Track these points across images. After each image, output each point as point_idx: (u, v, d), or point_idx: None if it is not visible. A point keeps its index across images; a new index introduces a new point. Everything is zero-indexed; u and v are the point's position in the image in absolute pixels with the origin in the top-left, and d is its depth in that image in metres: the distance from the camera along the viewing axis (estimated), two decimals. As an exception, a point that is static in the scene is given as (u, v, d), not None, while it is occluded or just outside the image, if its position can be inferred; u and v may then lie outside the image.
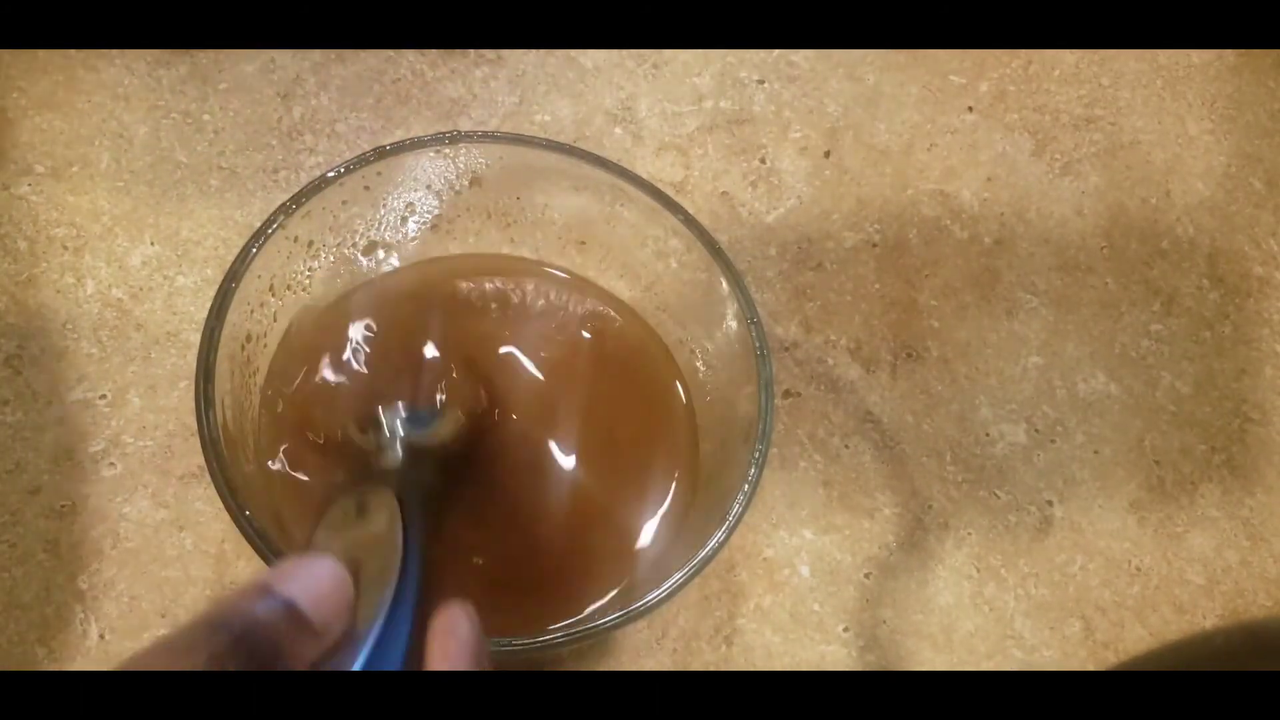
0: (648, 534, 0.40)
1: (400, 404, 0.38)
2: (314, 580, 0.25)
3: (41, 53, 0.49)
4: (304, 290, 0.40)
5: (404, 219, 0.42)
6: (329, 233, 0.40)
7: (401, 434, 0.37)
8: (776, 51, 0.55)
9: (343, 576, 0.25)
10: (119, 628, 0.40)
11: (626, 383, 0.43)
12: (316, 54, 0.52)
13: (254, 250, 0.36)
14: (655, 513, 0.40)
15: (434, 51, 0.53)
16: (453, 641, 0.26)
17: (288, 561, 0.25)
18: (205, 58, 0.51)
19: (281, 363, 0.40)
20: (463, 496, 0.38)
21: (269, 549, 0.32)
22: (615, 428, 0.41)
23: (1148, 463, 0.49)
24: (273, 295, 0.38)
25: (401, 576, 0.27)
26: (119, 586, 0.41)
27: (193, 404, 0.33)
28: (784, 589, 0.44)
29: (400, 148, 0.39)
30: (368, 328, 0.41)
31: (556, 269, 0.44)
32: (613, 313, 0.43)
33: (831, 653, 0.43)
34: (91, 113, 0.49)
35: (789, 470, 0.46)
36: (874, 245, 0.51)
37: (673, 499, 0.40)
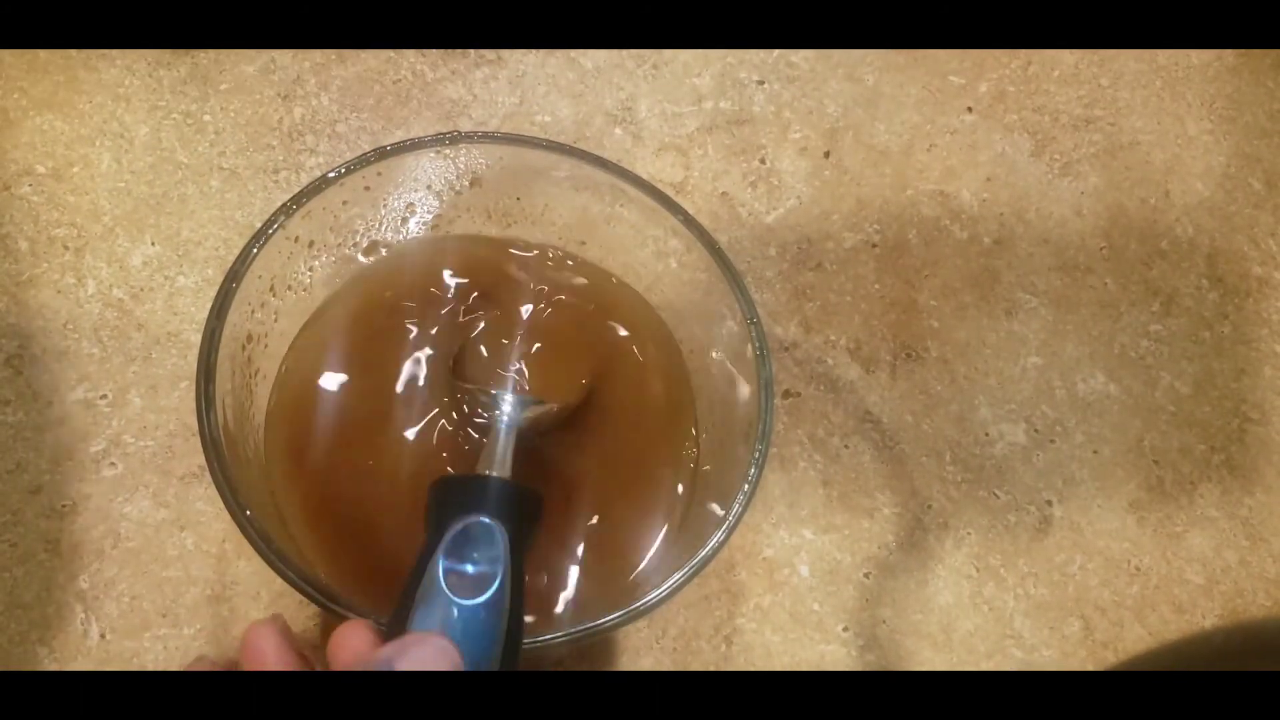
0: (648, 534, 0.40)
1: (511, 386, 0.38)
2: (430, 659, 0.27)
3: (42, 53, 0.49)
4: (305, 290, 0.40)
5: (404, 219, 0.42)
6: (330, 233, 0.40)
7: (509, 416, 0.37)
8: (776, 52, 0.55)
9: (454, 656, 0.28)
10: (120, 627, 0.40)
11: (634, 381, 0.43)
12: (317, 55, 0.52)
13: (255, 250, 0.36)
14: (656, 512, 0.40)
15: (434, 52, 0.53)
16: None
17: (411, 637, 0.28)
18: (206, 58, 0.51)
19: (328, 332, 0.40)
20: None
21: (270, 548, 0.32)
22: (622, 426, 0.41)
23: (1147, 463, 0.49)
24: (273, 295, 0.38)
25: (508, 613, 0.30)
26: (120, 586, 0.41)
27: (193, 404, 0.33)
28: (783, 588, 0.44)
29: (401, 148, 0.39)
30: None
31: (570, 258, 0.44)
32: (628, 308, 0.44)
33: (831, 652, 0.43)
34: (92, 113, 0.49)
35: (789, 470, 0.46)
36: (873, 245, 0.51)
37: (673, 499, 0.40)
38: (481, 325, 0.41)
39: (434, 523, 0.32)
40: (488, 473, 0.34)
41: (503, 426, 0.37)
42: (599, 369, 0.41)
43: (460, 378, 0.40)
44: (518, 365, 0.40)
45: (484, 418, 0.39)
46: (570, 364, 0.41)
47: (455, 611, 0.29)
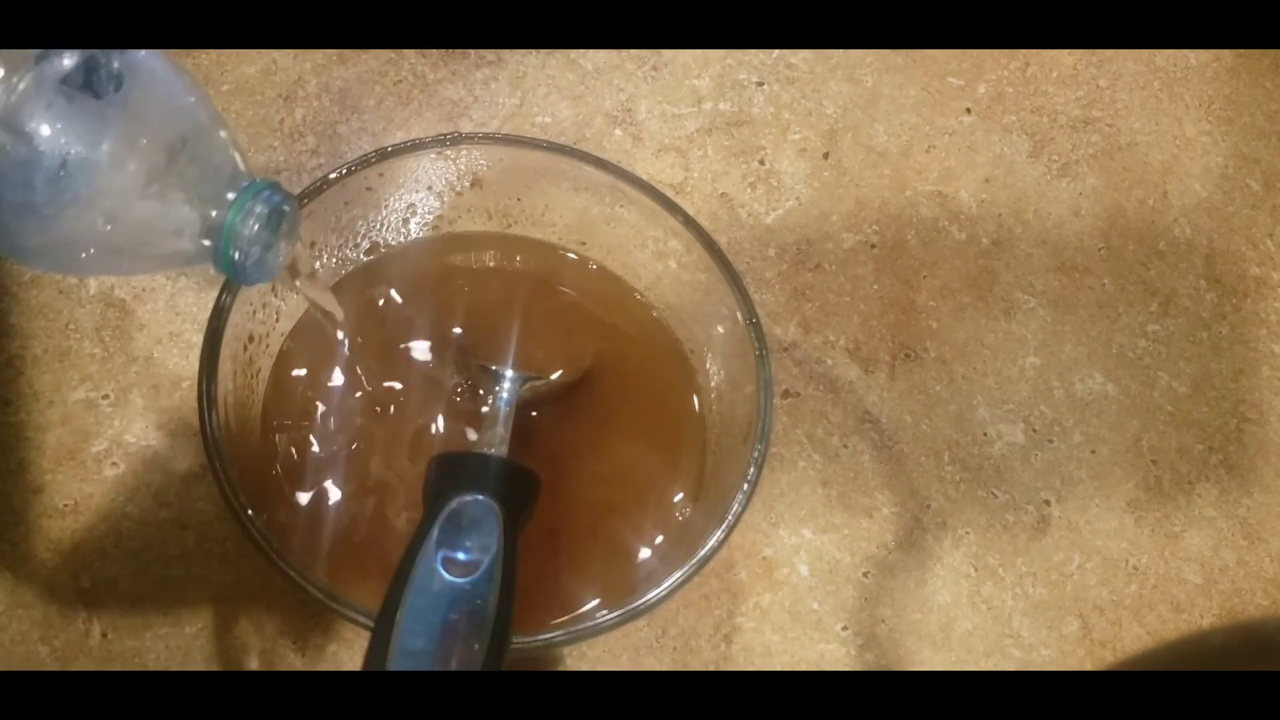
0: (647, 533, 0.40)
1: (511, 362, 0.39)
2: None
3: (44, 54, 0.50)
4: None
5: (405, 220, 0.42)
6: (331, 234, 0.40)
7: (509, 393, 0.37)
8: (775, 53, 0.55)
9: None
10: (121, 626, 0.40)
11: (637, 380, 0.43)
12: (318, 56, 0.52)
13: (256, 251, 0.36)
14: (655, 511, 0.40)
15: (435, 53, 0.53)
16: None
17: None
18: (207, 59, 0.51)
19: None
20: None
21: (272, 548, 0.32)
22: (623, 425, 0.42)
23: (1145, 462, 0.49)
24: (275, 296, 0.39)
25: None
26: (121, 586, 0.41)
27: (195, 404, 0.34)
28: (783, 588, 0.44)
29: (401, 149, 0.39)
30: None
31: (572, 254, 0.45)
32: (632, 306, 0.44)
33: (830, 651, 0.43)
34: (94, 114, 0.49)
35: (788, 470, 0.46)
36: (872, 246, 0.51)
37: (672, 498, 0.40)
38: (481, 308, 0.42)
39: (431, 498, 0.32)
40: (486, 451, 0.35)
41: (503, 404, 0.37)
42: (599, 355, 0.42)
43: (462, 354, 0.40)
44: (517, 343, 0.40)
45: (485, 400, 0.39)
46: (571, 345, 0.42)
47: (448, 587, 0.29)
